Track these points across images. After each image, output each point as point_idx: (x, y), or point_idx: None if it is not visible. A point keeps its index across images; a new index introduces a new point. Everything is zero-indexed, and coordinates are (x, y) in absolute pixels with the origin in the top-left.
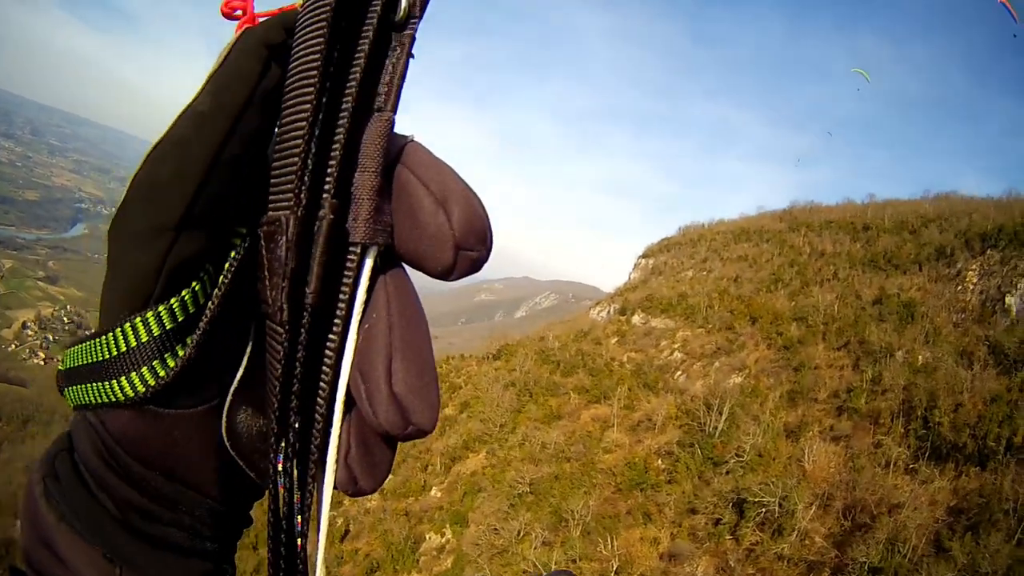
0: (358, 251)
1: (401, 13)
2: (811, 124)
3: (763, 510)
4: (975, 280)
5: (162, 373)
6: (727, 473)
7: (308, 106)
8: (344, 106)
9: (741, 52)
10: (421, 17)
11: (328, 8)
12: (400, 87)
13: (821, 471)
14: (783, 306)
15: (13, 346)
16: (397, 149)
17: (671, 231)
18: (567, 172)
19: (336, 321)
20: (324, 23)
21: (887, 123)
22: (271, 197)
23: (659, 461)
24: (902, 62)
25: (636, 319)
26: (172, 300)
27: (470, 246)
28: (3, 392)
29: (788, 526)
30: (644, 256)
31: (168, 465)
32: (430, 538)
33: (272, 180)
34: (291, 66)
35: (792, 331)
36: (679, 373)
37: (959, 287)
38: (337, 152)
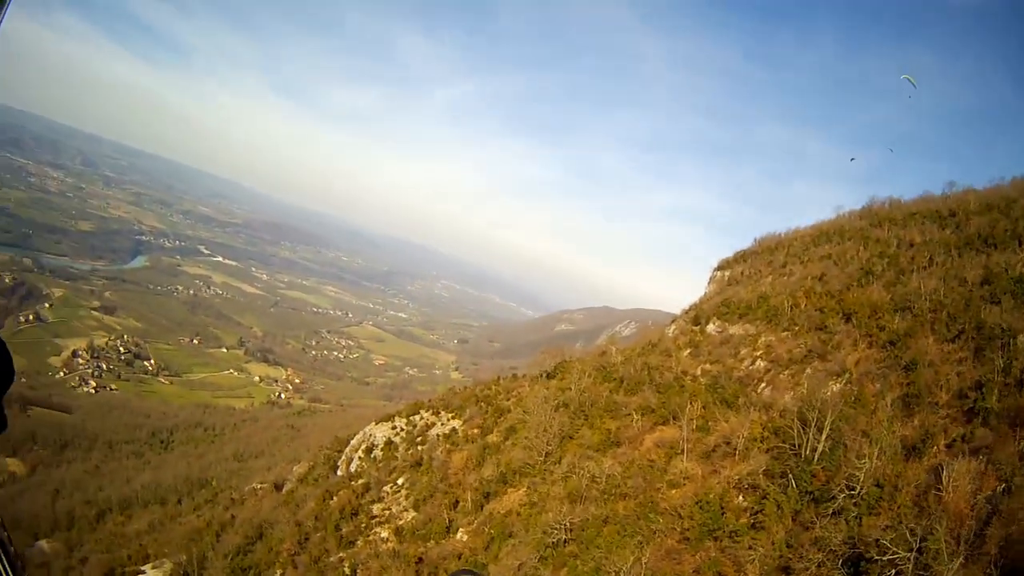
0: None
1: None
2: (872, 142)
3: (893, 571)
4: None
5: None
6: (834, 513)
7: None
8: None
9: (801, 75)
10: None
11: None
12: None
13: (963, 499)
14: (880, 297)
15: (62, 373)
16: None
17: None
18: (640, 202)
19: None
20: None
21: (942, 136)
22: None
23: (740, 498)
24: (952, 75)
25: (711, 327)
26: None
27: None
28: (43, 417)
29: None
30: (719, 268)
31: None
32: None
33: None
34: None
35: (895, 323)
36: (763, 385)
37: None
38: None
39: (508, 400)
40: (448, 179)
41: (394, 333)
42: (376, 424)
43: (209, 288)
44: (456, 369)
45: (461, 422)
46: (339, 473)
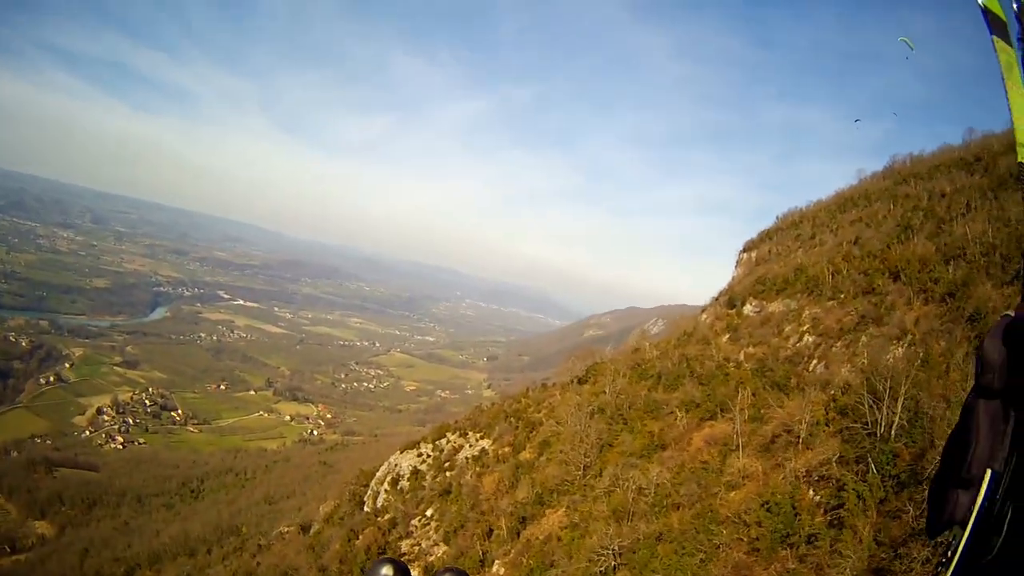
0: None
1: None
2: (878, 112)
3: None
4: None
5: None
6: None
7: None
8: None
9: (801, 52)
10: None
11: None
12: None
13: None
14: (925, 250)
15: (88, 432)
16: None
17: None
18: (655, 199)
19: None
20: None
21: (948, 97)
22: None
23: (812, 493)
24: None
25: (748, 308)
26: None
27: None
28: (70, 477)
29: None
30: (745, 250)
31: None
32: None
33: None
34: None
35: (949, 274)
36: (815, 361)
37: None
38: None
39: (539, 412)
40: (461, 197)
41: (423, 357)
42: (401, 453)
43: (232, 332)
44: (488, 386)
45: (491, 441)
46: (365, 509)
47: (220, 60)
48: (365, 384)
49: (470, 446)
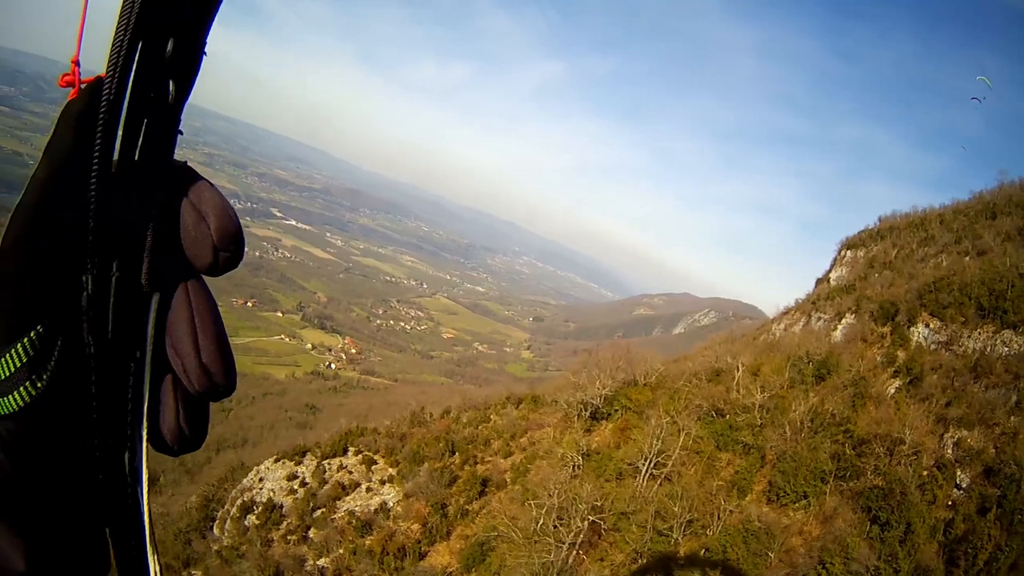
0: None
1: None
2: (942, 144)
3: None
4: None
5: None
6: None
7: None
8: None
9: (878, 72)
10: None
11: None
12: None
13: None
14: None
15: None
16: (175, 173)
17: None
18: (714, 191)
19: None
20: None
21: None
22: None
23: None
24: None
25: (920, 332)
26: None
27: (225, 247)
28: None
29: None
30: (849, 247)
31: None
32: None
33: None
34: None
35: None
36: None
37: None
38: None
39: (508, 454)
40: (532, 156)
41: (468, 306)
42: (275, 461)
43: (277, 251)
44: (528, 348)
45: (400, 492)
46: (214, 530)
47: None
48: (402, 324)
49: (368, 488)
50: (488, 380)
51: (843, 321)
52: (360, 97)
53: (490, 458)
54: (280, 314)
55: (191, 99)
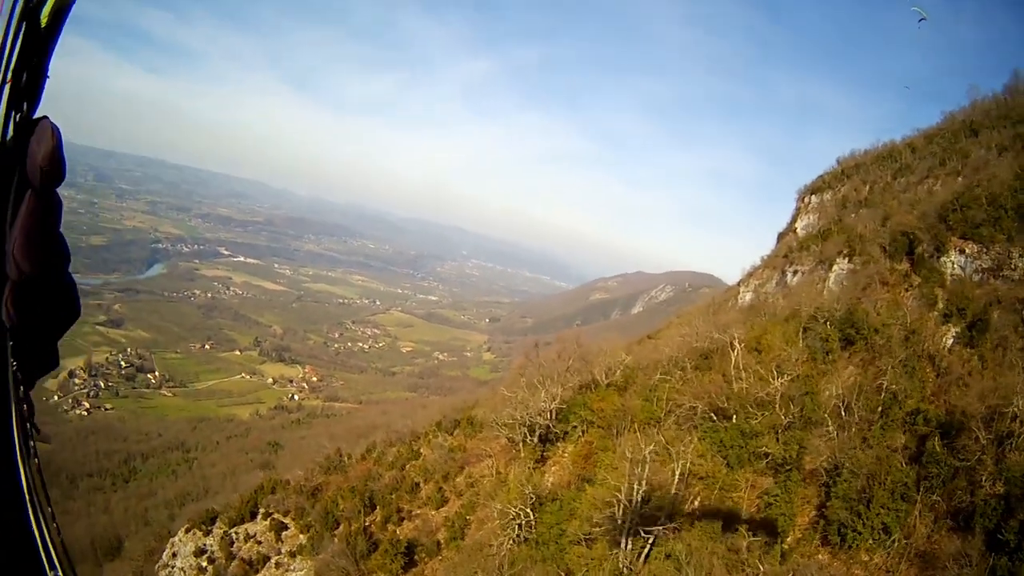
0: None
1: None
2: (885, 86)
3: None
4: None
5: None
6: None
7: None
8: None
9: (810, 27)
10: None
11: None
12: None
13: None
14: None
15: (56, 397)
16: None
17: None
18: (663, 167)
19: None
20: None
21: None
22: None
23: None
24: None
25: (952, 260)
26: None
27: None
28: None
29: None
30: (813, 192)
31: None
32: None
33: None
34: None
35: None
36: None
37: None
38: None
39: (440, 508)
40: (469, 157)
41: (423, 317)
42: (185, 532)
43: (228, 289)
44: (488, 349)
45: (310, 567)
46: None
47: (226, 19)
48: (359, 344)
49: (277, 563)
50: (452, 389)
51: (835, 268)
52: (294, 122)
53: (419, 510)
54: (238, 352)
55: (134, 150)
